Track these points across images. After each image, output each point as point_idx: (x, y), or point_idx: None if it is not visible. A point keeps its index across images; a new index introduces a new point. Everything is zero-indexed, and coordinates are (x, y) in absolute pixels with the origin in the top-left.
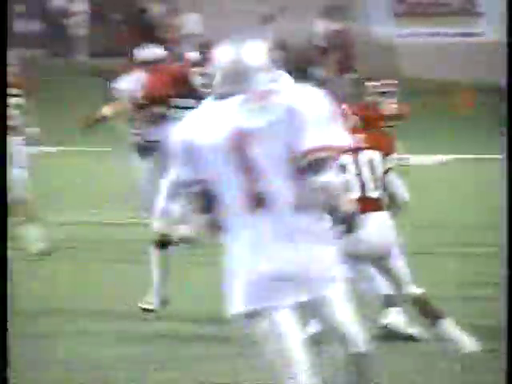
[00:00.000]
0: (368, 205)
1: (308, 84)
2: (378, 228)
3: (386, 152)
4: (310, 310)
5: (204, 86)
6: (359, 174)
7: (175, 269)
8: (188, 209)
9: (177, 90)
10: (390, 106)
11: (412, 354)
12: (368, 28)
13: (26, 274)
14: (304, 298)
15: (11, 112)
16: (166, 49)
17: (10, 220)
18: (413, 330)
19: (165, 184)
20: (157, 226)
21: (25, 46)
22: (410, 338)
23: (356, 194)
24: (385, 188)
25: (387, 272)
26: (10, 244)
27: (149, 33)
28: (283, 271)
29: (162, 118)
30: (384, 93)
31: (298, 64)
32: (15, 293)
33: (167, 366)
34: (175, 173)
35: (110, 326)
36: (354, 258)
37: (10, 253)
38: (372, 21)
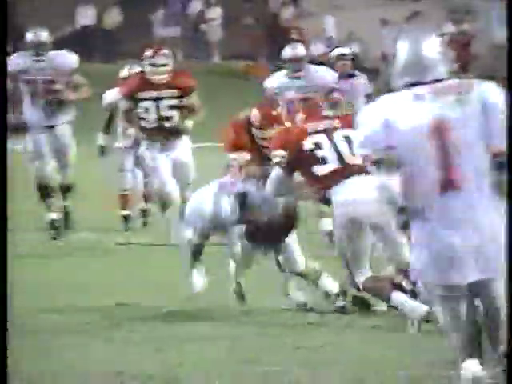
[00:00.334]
0: (349, 171)
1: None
2: (364, 188)
3: None
4: (479, 287)
5: None
6: (336, 148)
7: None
8: None
9: None
10: None
11: None
12: (487, 28)
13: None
14: (481, 276)
15: (169, 113)
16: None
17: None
18: None
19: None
20: None
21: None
22: None
23: (332, 165)
24: None
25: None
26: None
27: (280, 35)
28: (466, 247)
29: None
30: None
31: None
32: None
33: None
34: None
35: None
36: (359, 224)
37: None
38: (491, 20)
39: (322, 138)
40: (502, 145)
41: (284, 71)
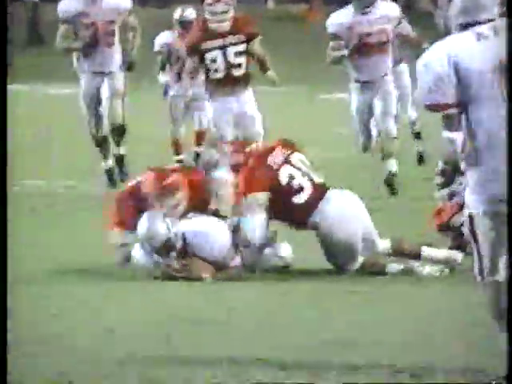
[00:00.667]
0: (322, 189)
1: None
2: (342, 202)
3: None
4: None
5: None
6: (302, 172)
7: None
8: None
9: None
10: None
11: None
12: None
13: None
14: None
15: (237, 60)
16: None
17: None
18: None
19: None
20: None
21: None
22: None
23: (309, 188)
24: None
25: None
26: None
27: None
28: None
29: None
30: None
31: None
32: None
33: None
34: None
35: None
36: None
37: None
38: None
39: (291, 170)
40: None
41: (349, 8)
